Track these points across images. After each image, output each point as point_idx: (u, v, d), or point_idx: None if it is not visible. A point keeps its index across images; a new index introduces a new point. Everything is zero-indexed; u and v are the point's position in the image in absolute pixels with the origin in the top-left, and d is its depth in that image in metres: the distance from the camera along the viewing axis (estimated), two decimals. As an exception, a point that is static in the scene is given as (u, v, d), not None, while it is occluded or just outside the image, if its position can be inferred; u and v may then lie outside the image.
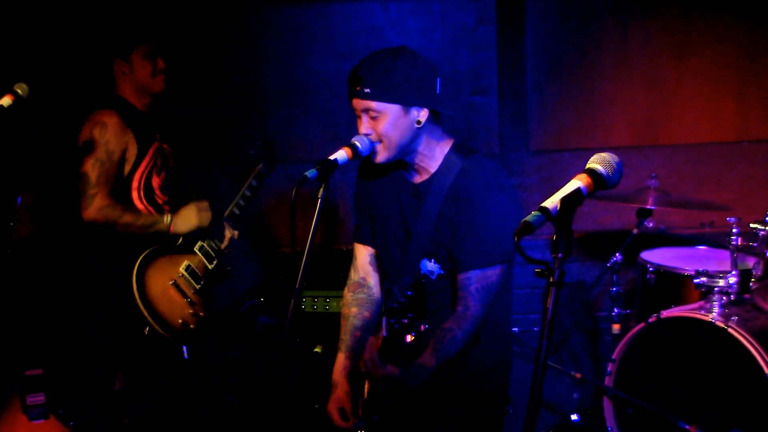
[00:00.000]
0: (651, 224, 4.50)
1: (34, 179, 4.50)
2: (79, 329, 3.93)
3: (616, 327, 4.48)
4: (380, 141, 2.85)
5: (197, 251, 3.99)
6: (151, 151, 3.95)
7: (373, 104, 2.80)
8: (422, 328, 2.59)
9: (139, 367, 3.80)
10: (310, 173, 2.74)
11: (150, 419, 3.81)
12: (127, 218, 3.82)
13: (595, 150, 2.25)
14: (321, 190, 2.76)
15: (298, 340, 3.87)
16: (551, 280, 2.03)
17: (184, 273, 3.90)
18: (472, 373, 2.99)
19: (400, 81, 2.79)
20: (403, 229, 3.03)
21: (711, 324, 3.70)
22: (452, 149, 2.95)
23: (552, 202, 2.07)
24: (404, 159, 2.94)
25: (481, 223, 2.83)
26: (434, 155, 2.94)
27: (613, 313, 4.50)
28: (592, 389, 4.55)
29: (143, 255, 3.78)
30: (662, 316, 3.86)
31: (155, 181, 3.97)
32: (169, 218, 3.90)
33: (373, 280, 3.20)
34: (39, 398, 3.72)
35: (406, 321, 2.55)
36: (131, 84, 3.92)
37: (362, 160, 3.17)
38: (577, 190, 2.10)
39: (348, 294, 3.21)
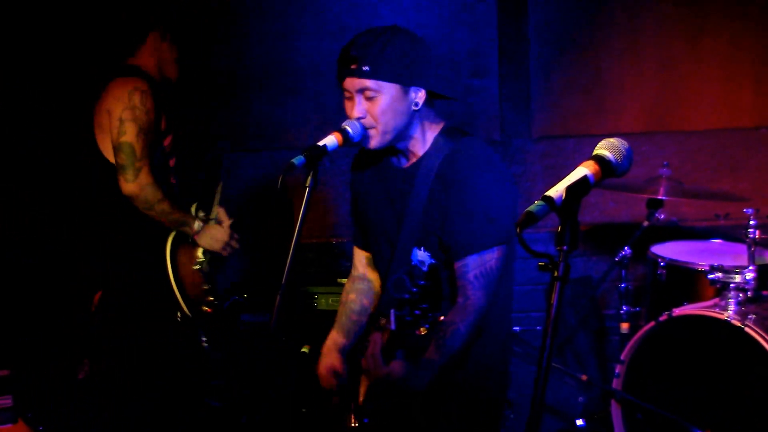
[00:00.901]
0: (662, 216, 4.51)
1: (34, 179, 4.60)
2: (79, 329, 3.99)
3: (624, 326, 4.49)
4: (374, 125, 2.85)
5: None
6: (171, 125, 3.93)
7: (371, 83, 2.80)
8: (440, 318, 2.58)
9: (138, 368, 3.83)
10: (298, 160, 2.74)
11: (150, 419, 3.85)
12: (165, 206, 3.75)
13: (602, 136, 2.25)
14: (309, 178, 2.76)
15: (284, 338, 3.88)
16: (555, 274, 2.04)
17: (203, 258, 3.95)
18: (471, 371, 2.98)
19: (399, 59, 2.80)
20: (394, 218, 3.04)
21: (726, 323, 3.71)
22: (442, 132, 2.97)
23: (557, 191, 2.08)
24: (397, 145, 2.95)
25: (473, 204, 2.83)
26: (425, 139, 2.96)
27: (622, 311, 4.51)
28: (599, 392, 4.56)
29: (173, 236, 3.84)
30: (674, 315, 3.87)
31: (171, 161, 3.96)
32: (198, 225, 3.88)
33: (374, 276, 3.27)
34: (6, 401, 3.73)
35: (418, 312, 2.51)
36: (156, 61, 3.86)
37: (355, 156, 3.19)
38: (584, 179, 2.10)
39: (348, 284, 3.32)
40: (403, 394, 2.78)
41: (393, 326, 2.52)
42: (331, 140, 2.82)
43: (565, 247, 2.03)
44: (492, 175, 2.86)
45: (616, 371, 4.05)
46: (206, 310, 3.92)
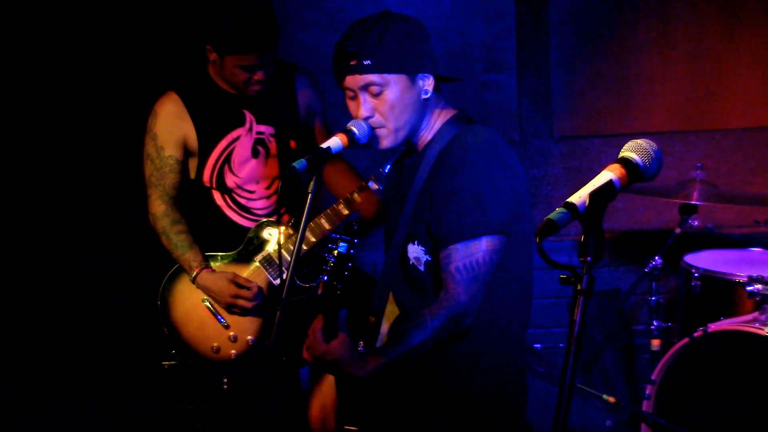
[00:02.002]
0: (696, 222, 4.51)
1: (34, 179, 4.71)
2: (79, 329, 4.07)
3: (655, 343, 4.49)
4: (384, 123, 2.85)
5: (259, 263, 3.89)
6: (223, 142, 3.86)
7: (375, 77, 2.80)
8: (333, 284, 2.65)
9: (139, 367, 3.88)
10: (299, 164, 2.75)
11: (150, 419, 3.91)
12: (163, 240, 3.86)
13: (630, 136, 2.26)
14: (312, 183, 2.78)
15: (285, 358, 3.88)
16: (579, 287, 2.04)
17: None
18: (461, 374, 2.91)
19: (401, 47, 2.80)
20: (396, 213, 3.03)
21: (767, 339, 3.71)
22: (451, 119, 2.95)
23: (579, 196, 2.08)
24: (411, 140, 2.95)
25: (462, 188, 2.76)
26: (433, 127, 2.96)
27: (653, 327, 4.51)
28: (628, 415, 4.56)
29: (172, 270, 3.88)
30: (710, 330, 3.87)
31: (230, 180, 3.89)
32: (193, 273, 3.83)
33: None
34: None
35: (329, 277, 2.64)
36: (216, 71, 3.82)
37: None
38: (609, 183, 2.11)
39: None
40: (342, 377, 2.72)
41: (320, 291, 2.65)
42: (335, 142, 2.82)
43: (589, 258, 2.03)
44: (489, 160, 2.80)
45: (647, 392, 4.05)
46: (229, 354, 3.87)
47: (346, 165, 4.02)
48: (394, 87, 2.82)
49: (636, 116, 5.22)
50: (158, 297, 3.89)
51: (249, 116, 3.87)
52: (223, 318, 3.86)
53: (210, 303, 3.86)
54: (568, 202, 2.07)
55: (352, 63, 2.81)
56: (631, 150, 2.17)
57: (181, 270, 3.88)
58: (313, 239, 3.77)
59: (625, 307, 5.09)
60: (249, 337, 3.87)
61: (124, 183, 4.40)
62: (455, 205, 2.77)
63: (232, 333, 3.86)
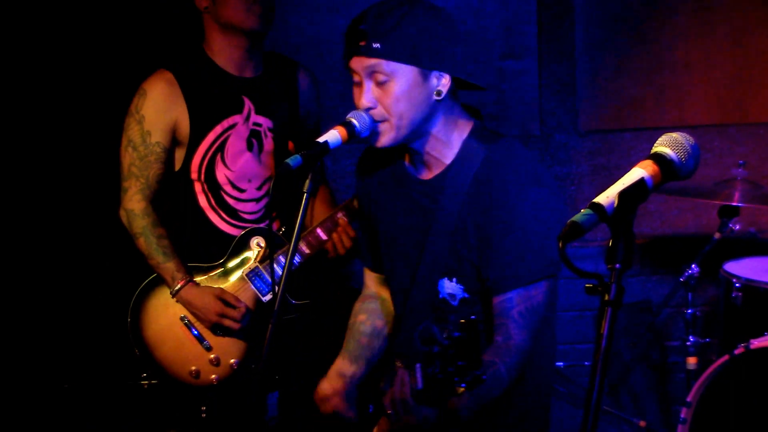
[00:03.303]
0: (737, 226, 4.50)
1: (33, 179, 4.73)
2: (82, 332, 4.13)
3: (691, 361, 4.48)
4: (386, 117, 2.83)
5: (246, 276, 3.84)
6: (218, 128, 3.80)
7: (382, 64, 2.78)
8: (482, 377, 2.48)
9: (113, 387, 3.90)
10: (293, 161, 2.73)
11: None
12: (141, 245, 3.76)
13: (663, 129, 2.25)
14: (307, 182, 2.76)
15: (278, 377, 3.88)
16: (606, 298, 2.04)
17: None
18: (510, 422, 2.98)
19: (418, 36, 2.78)
20: (412, 241, 3.02)
21: (815, 357, 3.71)
22: (472, 133, 2.93)
23: (607, 196, 2.08)
24: (411, 145, 2.92)
25: (518, 229, 2.81)
26: (450, 141, 2.92)
27: (688, 343, 4.50)
28: (661, 442, 4.56)
29: (145, 282, 3.81)
30: (752, 347, 3.87)
31: (221, 174, 3.83)
32: (177, 285, 3.75)
33: (387, 295, 3.27)
34: None
35: (452, 369, 2.38)
36: (215, 25, 3.76)
37: (360, 156, 3.19)
38: (641, 182, 2.10)
39: (357, 304, 3.32)
40: None
41: (420, 385, 2.43)
42: (333, 136, 2.80)
43: (617, 265, 2.03)
44: (540, 191, 2.84)
45: (682, 416, 4.05)
46: (209, 379, 3.81)
47: (328, 191, 4.04)
48: (402, 79, 2.80)
49: (670, 108, 5.22)
50: (129, 313, 3.80)
51: (248, 103, 3.83)
52: (204, 338, 3.79)
53: (189, 321, 3.79)
54: (594, 202, 2.07)
55: (361, 44, 2.79)
56: (665, 145, 2.17)
57: (156, 282, 3.81)
58: (308, 251, 3.75)
59: (658, 321, 5.08)
60: (232, 360, 3.80)
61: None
62: (513, 249, 2.82)
63: (213, 355, 3.79)
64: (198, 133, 3.78)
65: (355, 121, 2.81)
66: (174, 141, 3.79)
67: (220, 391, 3.80)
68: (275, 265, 3.71)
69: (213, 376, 3.80)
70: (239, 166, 3.84)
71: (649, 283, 5.18)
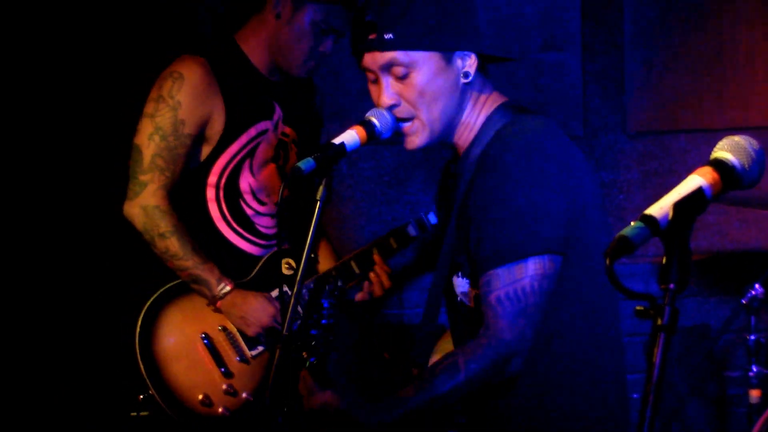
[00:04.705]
0: (807, 242, 4.51)
1: (35, 179, 4.82)
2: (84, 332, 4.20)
3: (754, 393, 4.47)
4: (413, 113, 2.82)
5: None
6: (251, 131, 3.77)
7: (399, 55, 2.77)
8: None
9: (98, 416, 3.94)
10: (306, 164, 2.72)
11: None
12: (171, 244, 3.65)
13: (724, 132, 2.25)
14: (321, 188, 2.76)
15: (281, 417, 3.87)
16: (659, 322, 2.03)
17: (228, 326, 3.75)
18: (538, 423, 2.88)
19: (433, 17, 2.76)
20: (442, 239, 3.01)
21: None
22: (498, 109, 2.89)
23: (661, 207, 2.08)
24: (447, 141, 2.92)
25: (499, 199, 2.72)
26: (476, 122, 2.90)
27: (751, 373, 4.49)
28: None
29: (165, 288, 3.71)
30: (824, 378, 3.86)
31: (245, 182, 3.79)
32: (225, 288, 3.68)
33: None
34: None
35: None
36: (266, 35, 3.76)
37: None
38: (699, 191, 2.10)
39: None
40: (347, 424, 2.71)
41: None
42: (350, 136, 2.79)
43: (672, 285, 2.03)
44: (537, 161, 2.74)
45: (743, 456, 4.04)
46: (216, 410, 3.71)
47: (329, 246, 4.07)
48: (423, 68, 2.78)
49: (732, 107, 5.22)
50: (139, 322, 3.68)
51: (278, 110, 3.83)
52: (225, 363, 3.72)
53: (211, 341, 3.73)
54: (646, 214, 2.06)
55: (371, 37, 2.78)
56: (726, 149, 2.17)
57: (177, 291, 3.72)
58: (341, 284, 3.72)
59: (716, 349, 5.08)
60: (244, 395, 3.74)
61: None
62: (494, 221, 2.73)
63: (230, 383, 3.73)
64: (231, 132, 3.73)
65: (375, 120, 2.80)
66: (201, 137, 3.73)
67: (221, 425, 3.74)
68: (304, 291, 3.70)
69: (220, 408, 3.72)
70: (264, 176, 3.82)
71: (707, 305, 5.18)
